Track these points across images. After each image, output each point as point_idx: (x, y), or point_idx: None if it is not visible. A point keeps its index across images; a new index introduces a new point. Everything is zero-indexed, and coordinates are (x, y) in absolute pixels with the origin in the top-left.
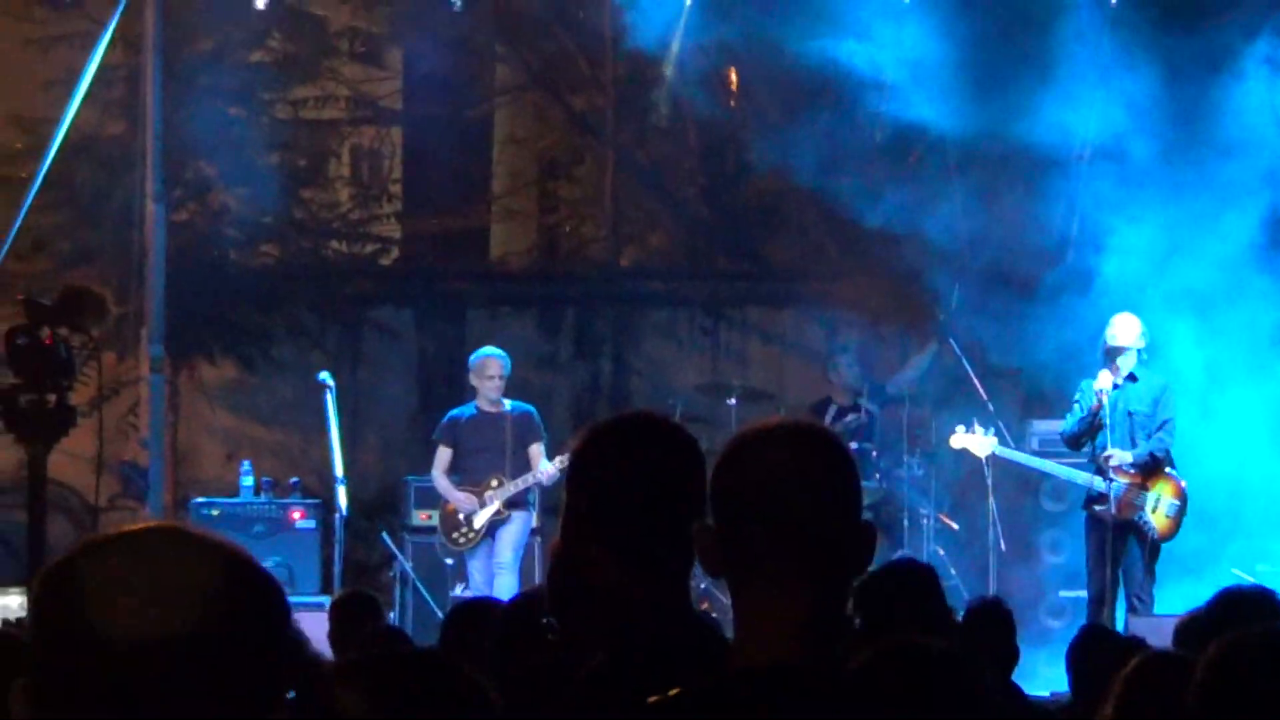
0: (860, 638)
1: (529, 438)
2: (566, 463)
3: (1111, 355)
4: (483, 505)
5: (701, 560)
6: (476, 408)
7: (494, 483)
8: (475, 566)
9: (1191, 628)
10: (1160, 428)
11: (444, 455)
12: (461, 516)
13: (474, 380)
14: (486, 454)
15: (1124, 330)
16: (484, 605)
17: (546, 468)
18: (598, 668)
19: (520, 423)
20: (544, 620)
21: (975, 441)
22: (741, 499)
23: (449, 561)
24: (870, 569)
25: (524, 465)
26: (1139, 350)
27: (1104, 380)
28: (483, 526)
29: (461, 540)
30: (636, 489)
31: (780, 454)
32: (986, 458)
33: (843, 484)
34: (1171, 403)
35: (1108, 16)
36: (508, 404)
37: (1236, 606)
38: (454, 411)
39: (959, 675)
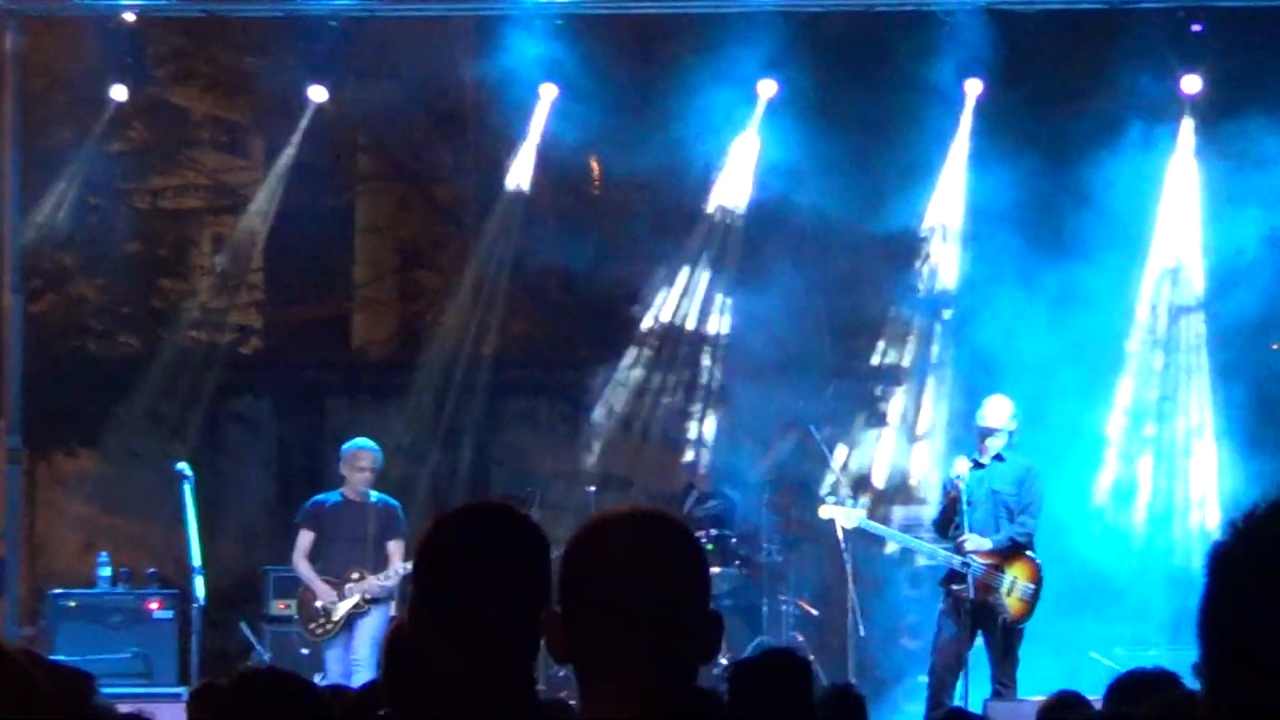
0: None
1: (390, 532)
2: None
3: (982, 436)
4: (342, 597)
5: (549, 647)
6: (342, 496)
7: (355, 575)
8: (332, 658)
9: (1051, 713)
10: (1024, 511)
11: (305, 540)
12: (320, 606)
13: (344, 469)
14: (348, 544)
15: (994, 412)
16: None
17: (406, 565)
18: None
19: (383, 516)
20: (380, 713)
21: (842, 512)
22: (587, 586)
23: (305, 651)
24: (745, 656)
25: (383, 559)
26: (1009, 432)
27: (960, 466)
28: (341, 619)
29: (319, 631)
30: (481, 576)
31: (626, 542)
32: (850, 532)
33: (689, 572)
34: (1035, 486)
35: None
36: (373, 495)
37: (1139, 689)
38: (319, 497)
39: None
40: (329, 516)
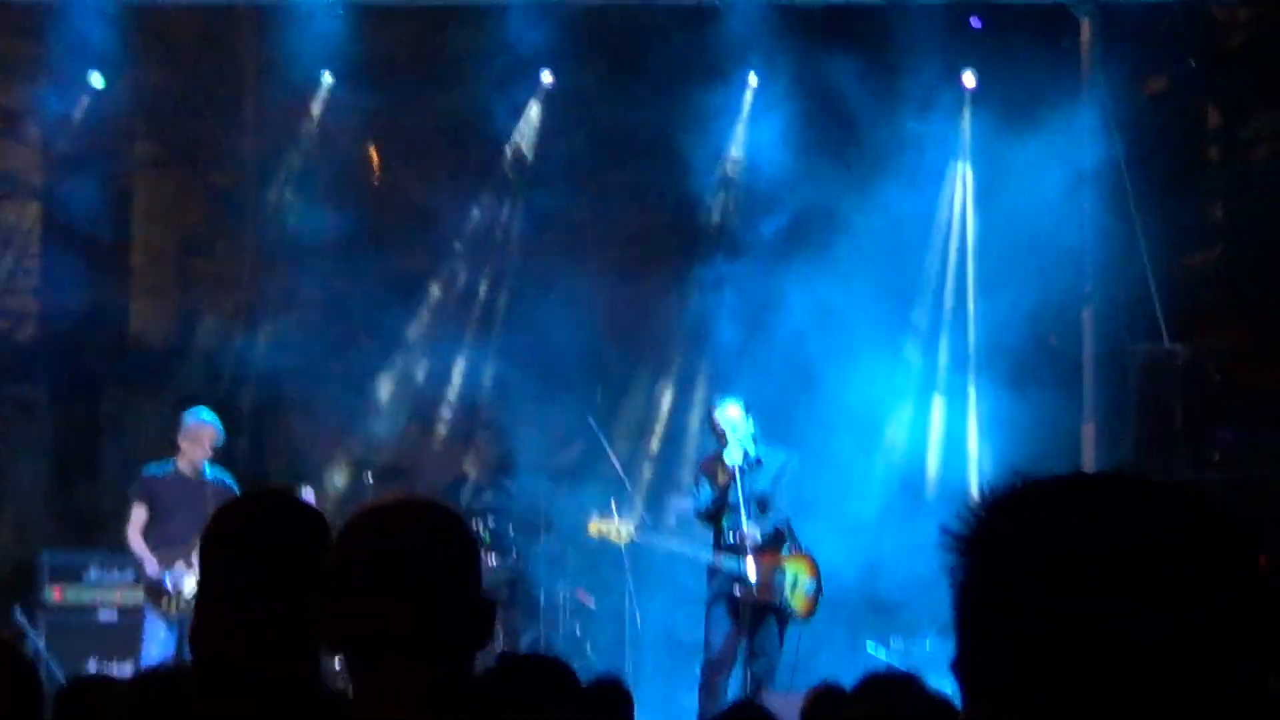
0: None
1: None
2: None
3: (720, 438)
4: (189, 566)
5: (321, 637)
6: (175, 468)
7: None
8: (156, 638)
9: (821, 703)
10: (776, 500)
11: (140, 514)
12: (167, 584)
13: (183, 442)
14: (186, 520)
15: (731, 413)
16: (101, 685)
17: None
18: None
19: (220, 494)
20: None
21: (613, 529)
22: (355, 577)
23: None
24: (508, 649)
25: None
26: (751, 434)
27: (734, 454)
28: (193, 595)
29: (171, 608)
30: (262, 564)
31: (392, 531)
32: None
33: (456, 559)
34: (790, 476)
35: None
36: (208, 472)
37: (882, 690)
38: (152, 469)
39: None
40: (164, 490)
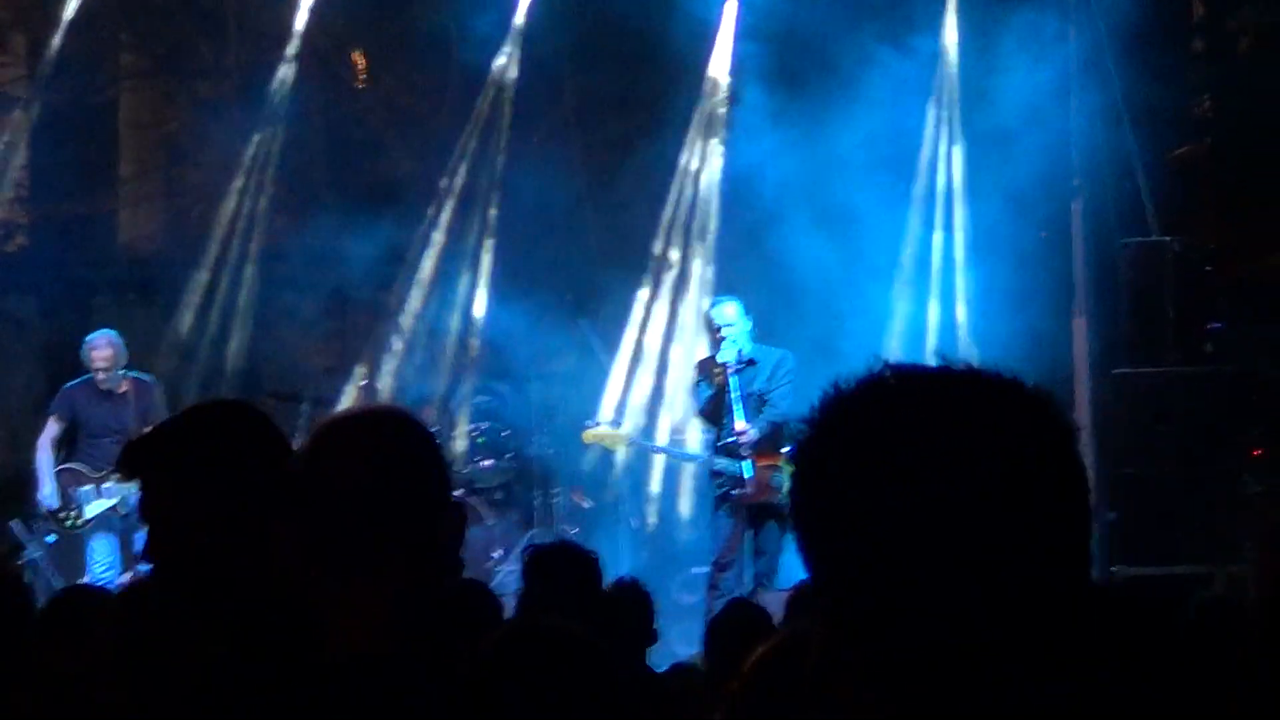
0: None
1: (152, 413)
2: None
3: (713, 335)
4: (99, 495)
5: (282, 556)
6: (91, 381)
7: (80, 468)
8: (98, 551)
9: (800, 600)
10: (774, 395)
11: (52, 428)
12: (72, 495)
13: (85, 361)
14: (112, 437)
15: (728, 312)
16: (89, 594)
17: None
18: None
19: (141, 400)
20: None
21: (608, 436)
22: (323, 488)
23: (50, 539)
24: (536, 550)
25: None
26: (748, 331)
27: (728, 353)
28: (95, 517)
29: (68, 521)
30: (213, 474)
31: (358, 442)
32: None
33: (425, 468)
34: (784, 371)
35: None
36: (124, 383)
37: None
38: (70, 383)
39: (583, 659)
40: (81, 404)
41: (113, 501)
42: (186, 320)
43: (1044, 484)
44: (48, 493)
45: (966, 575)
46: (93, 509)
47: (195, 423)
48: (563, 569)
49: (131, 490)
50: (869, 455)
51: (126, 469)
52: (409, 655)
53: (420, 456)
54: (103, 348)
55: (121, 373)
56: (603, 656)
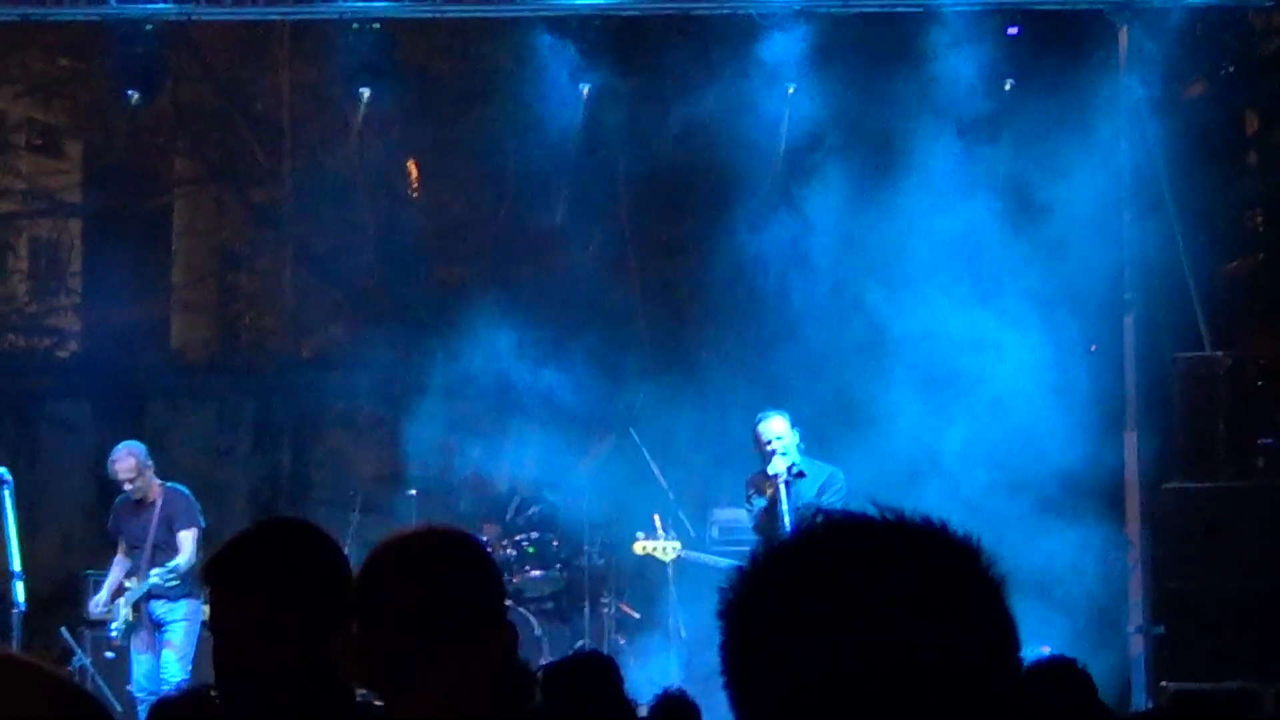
0: None
1: (176, 522)
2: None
3: (764, 451)
4: (112, 616)
5: (344, 670)
6: (128, 495)
7: (129, 584)
8: (136, 661)
9: None
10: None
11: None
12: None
13: (110, 475)
14: (141, 549)
15: (775, 426)
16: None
17: (153, 574)
18: None
19: (166, 509)
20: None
21: (658, 547)
22: (381, 606)
23: (109, 655)
24: (555, 659)
25: (173, 553)
26: (797, 445)
27: (779, 465)
28: (118, 634)
29: (112, 630)
30: (269, 597)
31: (417, 561)
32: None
33: (481, 588)
34: (835, 487)
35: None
36: (153, 492)
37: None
38: (118, 498)
39: None
40: (120, 518)
41: (124, 615)
42: (236, 425)
43: (969, 637)
44: (96, 600)
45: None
46: (115, 627)
47: (265, 538)
48: (580, 678)
49: (156, 579)
50: (795, 609)
51: (206, 581)
52: None
53: (475, 576)
54: (123, 459)
55: (157, 482)
56: None
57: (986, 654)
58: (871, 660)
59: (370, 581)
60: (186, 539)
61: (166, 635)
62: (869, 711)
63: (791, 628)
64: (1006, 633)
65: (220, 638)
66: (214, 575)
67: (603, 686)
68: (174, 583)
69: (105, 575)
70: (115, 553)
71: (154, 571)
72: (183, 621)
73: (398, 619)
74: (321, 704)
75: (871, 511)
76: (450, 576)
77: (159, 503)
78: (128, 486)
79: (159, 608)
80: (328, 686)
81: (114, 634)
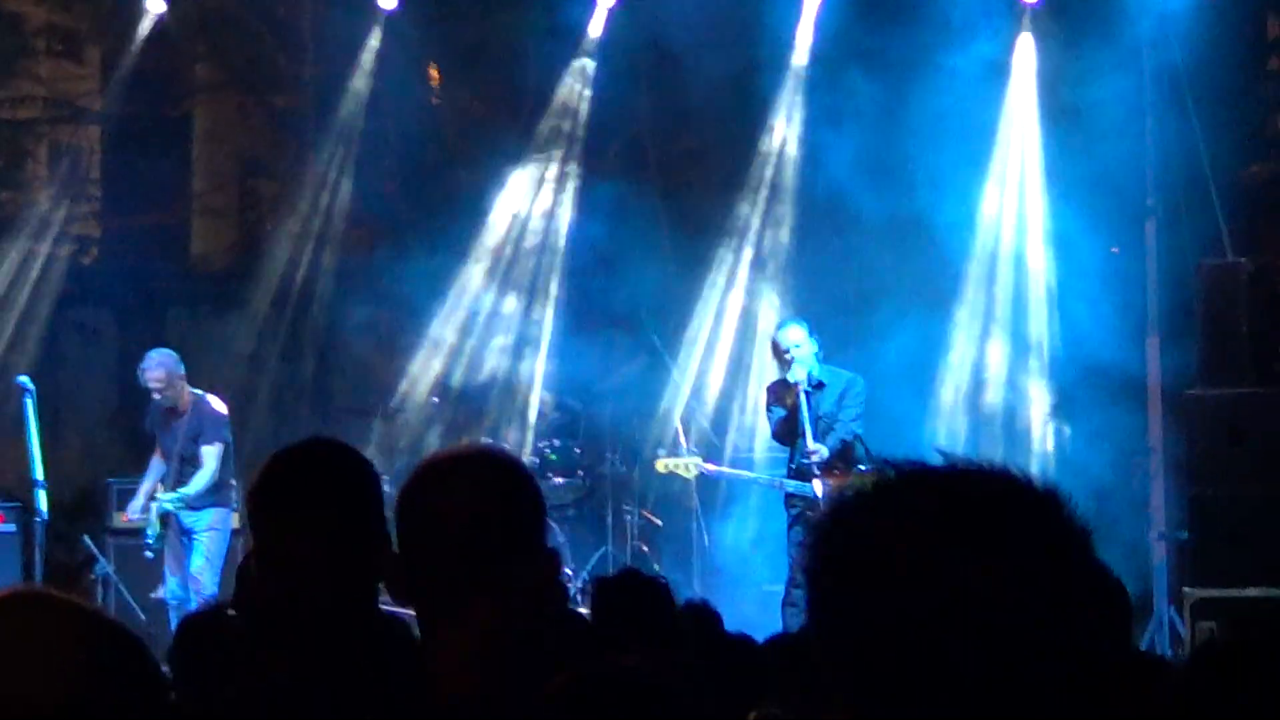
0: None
1: (201, 437)
2: None
3: (781, 359)
4: (146, 523)
5: (388, 587)
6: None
7: (160, 491)
8: (169, 567)
9: None
10: (843, 418)
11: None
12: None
13: (140, 381)
14: (172, 458)
15: (793, 335)
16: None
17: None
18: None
19: (195, 418)
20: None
21: (680, 464)
22: (424, 528)
23: (149, 555)
24: (607, 576)
25: (196, 467)
26: (815, 354)
27: (798, 373)
28: (153, 539)
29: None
30: (310, 518)
31: (460, 482)
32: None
33: (523, 512)
34: (855, 392)
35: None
36: (184, 399)
37: None
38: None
39: (656, 704)
40: (155, 422)
41: (155, 519)
42: (258, 333)
43: (1051, 589)
44: (132, 506)
45: (986, 690)
46: (153, 527)
47: (305, 462)
48: (631, 598)
49: (171, 507)
50: (878, 563)
51: (250, 507)
52: (496, 696)
53: (517, 499)
54: (153, 369)
55: (190, 391)
56: (674, 699)
57: (1068, 606)
58: (953, 615)
59: (412, 500)
60: (209, 455)
61: (195, 543)
62: (948, 663)
63: (875, 582)
64: (1091, 584)
65: (266, 563)
66: (258, 502)
67: (655, 611)
68: (180, 506)
69: (131, 481)
70: (147, 455)
71: (167, 497)
72: (209, 530)
73: (439, 538)
74: (363, 627)
75: (942, 460)
76: (492, 497)
77: (188, 414)
78: (156, 396)
79: (186, 517)
80: (369, 610)
81: (150, 539)
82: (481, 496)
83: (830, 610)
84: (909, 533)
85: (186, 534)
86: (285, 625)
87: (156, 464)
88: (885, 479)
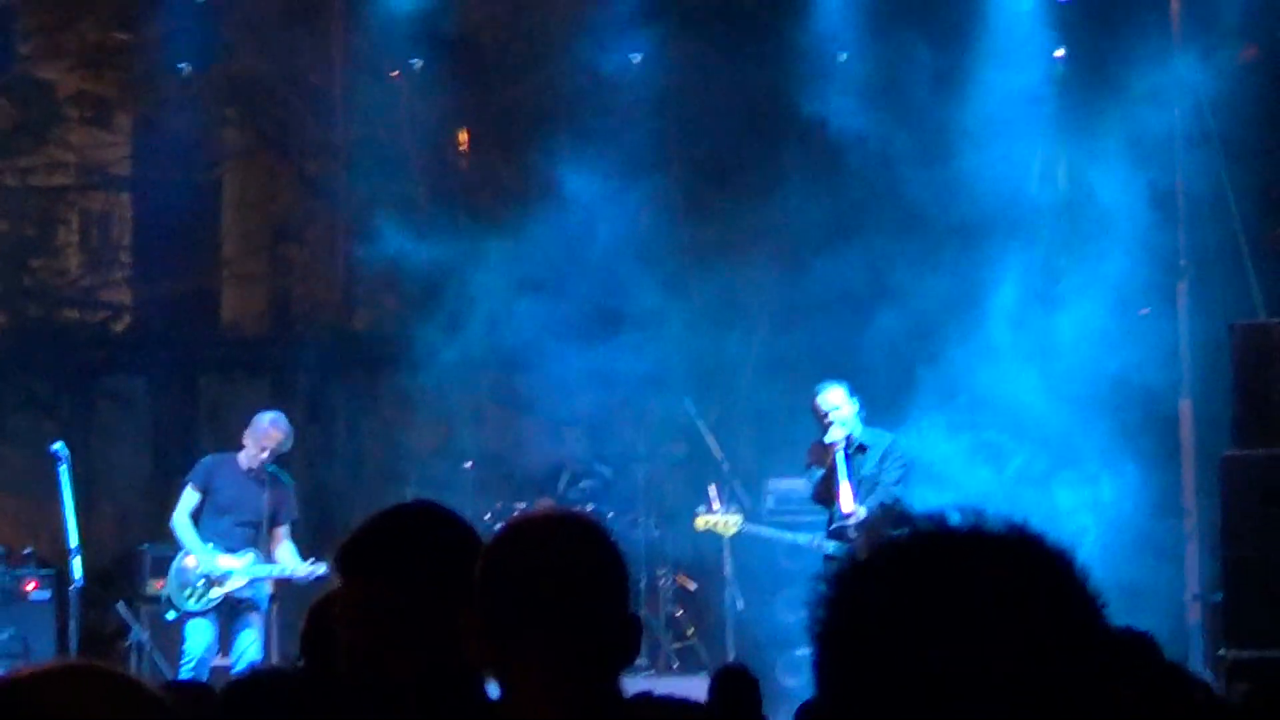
0: None
1: (281, 515)
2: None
3: (824, 422)
4: (228, 578)
5: (466, 651)
6: (234, 460)
7: (250, 557)
8: (202, 632)
9: None
10: (884, 481)
11: (190, 499)
12: (201, 573)
13: (249, 439)
14: (243, 517)
15: (832, 397)
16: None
17: (300, 568)
18: None
19: (277, 494)
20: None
21: (720, 522)
22: (507, 592)
23: (170, 618)
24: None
25: (272, 542)
26: (857, 414)
27: (836, 434)
28: (219, 598)
29: (190, 600)
30: (412, 575)
31: (546, 547)
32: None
33: (609, 576)
34: (896, 455)
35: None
36: (268, 468)
37: None
38: (212, 458)
39: None
40: (224, 482)
41: (242, 583)
42: (290, 399)
43: (1061, 653)
44: (208, 561)
45: None
46: (219, 590)
47: (410, 523)
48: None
49: (250, 572)
50: (888, 623)
51: (345, 567)
52: None
53: (604, 563)
54: (282, 429)
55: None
56: None
57: (1078, 669)
58: (960, 676)
59: (497, 562)
60: (286, 534)
61: (256, 616)
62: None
63: (883, 643)
64: (1099, 647)
65: (353, 628)
66: (350, 564)
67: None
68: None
69: (167, 549)
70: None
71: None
72: (255, 632)
73: (523, 601)
74: (454, 697)
75: (962, 517)
76: (579, 561)
77: (269, 485)
78: (265, 456)
79: (259, 588)
80: (459, 680)
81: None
82: (566, 560)
83: (836, 679)
84: (915, 601)
85: (244, 603)
86: (378, 688)
87: (190, 521)
88: (897, 543)
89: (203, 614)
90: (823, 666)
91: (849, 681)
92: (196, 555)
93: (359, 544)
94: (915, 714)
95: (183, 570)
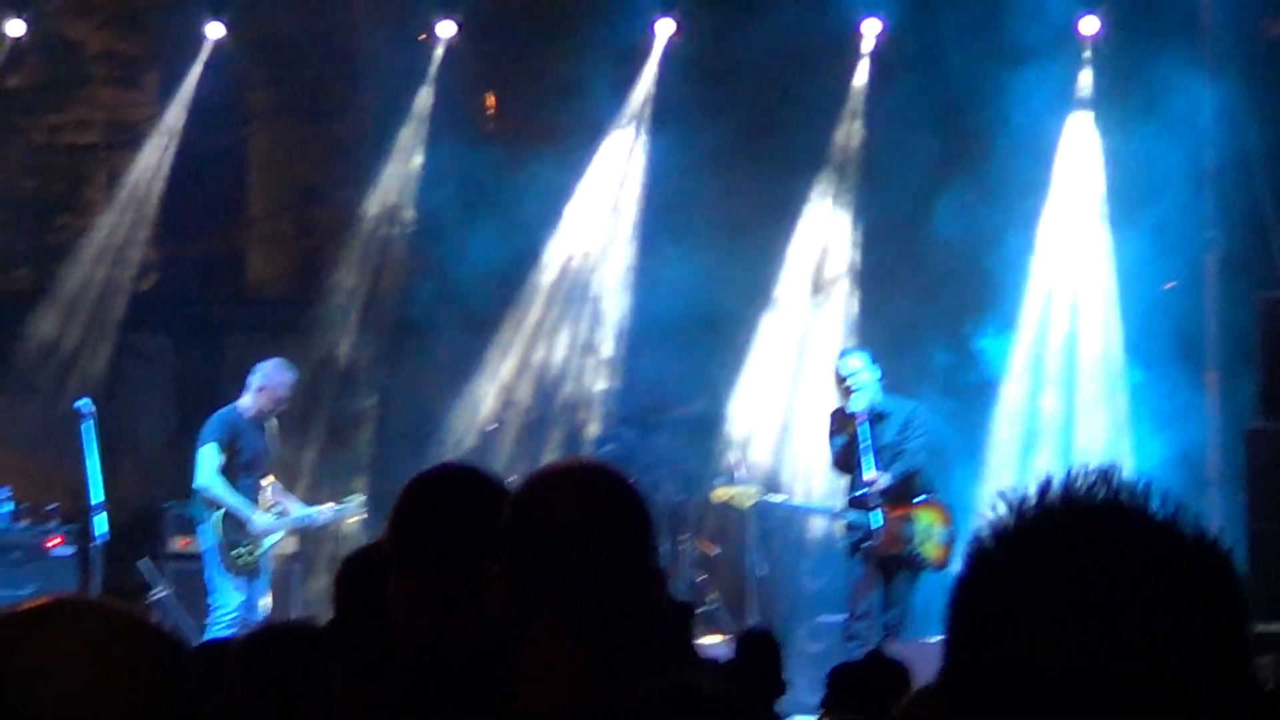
0: None
1: (271, 456)
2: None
3: (842, 387)
4: (273, 529)
5: (488, 604)
6: (242, 413)
7: (279, 506)
8: (235, 587)
9: None
10: (905, 450)
11: (220, 458)
12: (254, 533)
13: (262, 390)
14: (259, 471)
15: (853, 363)
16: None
17: (323, 510)
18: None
19: (272, 441)
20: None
21: (738, 494)
22: (530, 544)
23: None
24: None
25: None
26: (877, 381)
27: (858, 403)
28: (263, 554)
29: (242, 560)
30: (455, 535)
31: (569, 499)
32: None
33: (631, 529)
34: (917, 424)
35: None
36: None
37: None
38: (227, 412)
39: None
40: (244, 435)
41: (279, 537)
42: (315, 359)
43: (1203, 644)
44: (261, 519)
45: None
46: (271, 539)
47: (463, 501)
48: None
49: (290, 524)
50: (1025, 603)
51: (407, 557)
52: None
53: (629, 514)
54: (295, 374)
55: None
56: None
57: (1219, 665)
58: (1098, 662)
59: (521, 511)
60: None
61: (261, 583)
62: (1086, 712)
63: (1020, 623)
64: (1242, 641)
65: (413, 610)
66: (412, 554)
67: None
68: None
69: (184, 507)
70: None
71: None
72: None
73: (546, 551)
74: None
75: (1102, 485)
76: (602, 511)
77: (270, 432)
78: (280, 407)
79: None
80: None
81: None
82: (592, 509)
83: (972, 663)
84: (1065, 573)
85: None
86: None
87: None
88: (1044, 516)
89: (249, 573)
90: (955, 645)
91: (982, 661)
92: (248, 515)
93: (418, 533)
94: (1044, 703)
95: (232, 530)
